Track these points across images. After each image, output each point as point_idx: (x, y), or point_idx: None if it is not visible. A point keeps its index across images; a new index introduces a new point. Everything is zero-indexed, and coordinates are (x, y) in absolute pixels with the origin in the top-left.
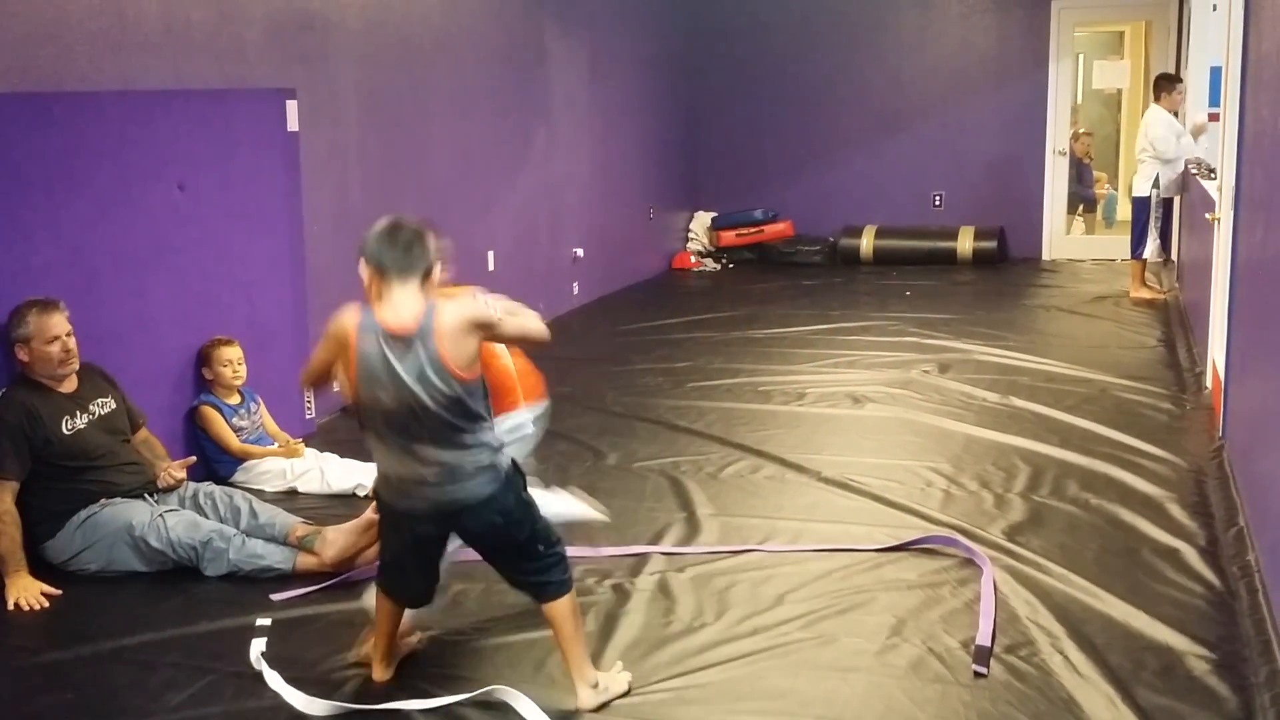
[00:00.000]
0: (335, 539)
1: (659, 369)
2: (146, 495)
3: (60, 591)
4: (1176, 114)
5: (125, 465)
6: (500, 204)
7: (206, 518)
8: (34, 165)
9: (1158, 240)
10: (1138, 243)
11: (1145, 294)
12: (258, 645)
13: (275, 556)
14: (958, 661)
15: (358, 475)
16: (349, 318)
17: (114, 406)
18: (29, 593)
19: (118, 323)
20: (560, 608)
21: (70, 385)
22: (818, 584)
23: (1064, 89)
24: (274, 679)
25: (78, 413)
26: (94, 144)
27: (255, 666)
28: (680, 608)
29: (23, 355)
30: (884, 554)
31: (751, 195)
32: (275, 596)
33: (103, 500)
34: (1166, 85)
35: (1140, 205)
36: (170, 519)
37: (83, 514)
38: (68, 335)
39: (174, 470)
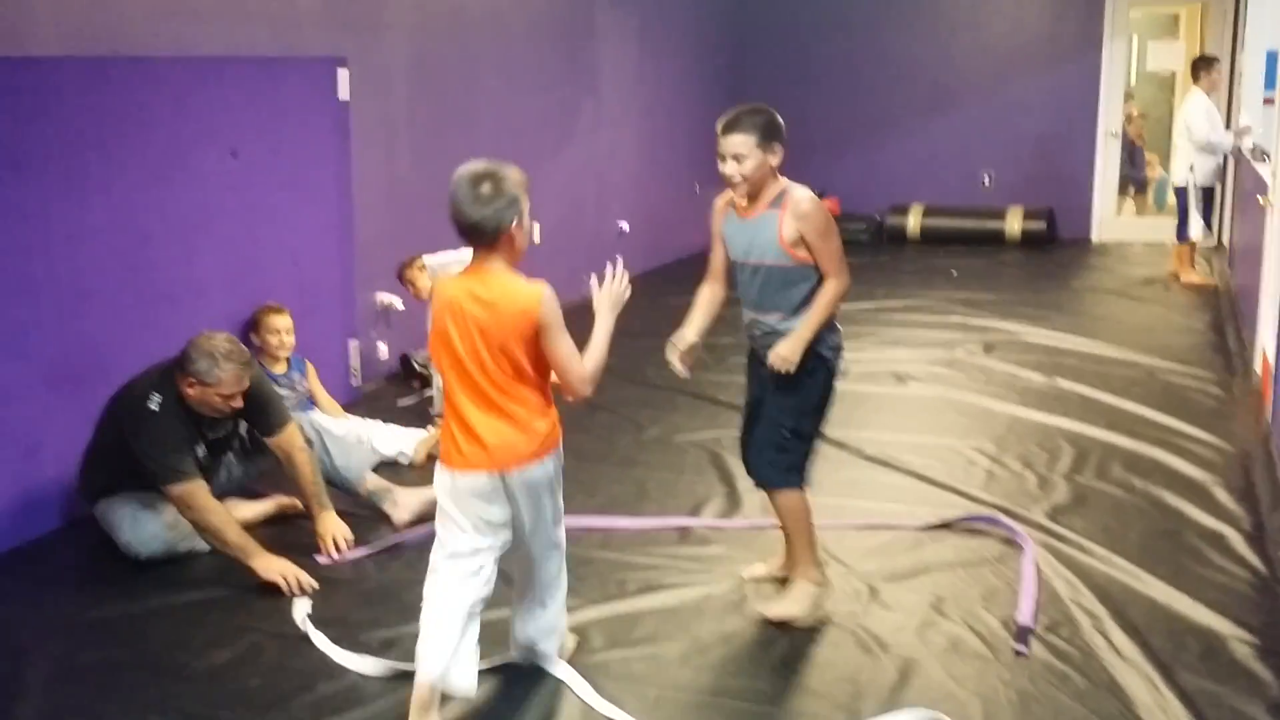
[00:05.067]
0: (408, 502)
1: (702, 344)
2: None
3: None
4: (1214, 96)
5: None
6: (546, 177)
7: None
8: (90, 129)
9: (1202, 223)
10: (1182, 226)
11: (1195, 278)
12: (302, 606)
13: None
14: (998, 640)
15: (401, 442)
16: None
17: (229, 429)
18: (286, 570)
19: (168, 286)
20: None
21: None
22: (858, 560)
23: (1117, 70)
24: (320, 639)
25: (201, 443)
26: (149, 109)
27: (300, 628)
28: (719, 578)
29: (190, 390)
30: (925, 532)
31: (798, 172)
32: (321, 559)
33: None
34: (1205, 67)
35: (1180, 193)
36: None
37: (119, 506)
38: (243, 391)
39: (332, 545)
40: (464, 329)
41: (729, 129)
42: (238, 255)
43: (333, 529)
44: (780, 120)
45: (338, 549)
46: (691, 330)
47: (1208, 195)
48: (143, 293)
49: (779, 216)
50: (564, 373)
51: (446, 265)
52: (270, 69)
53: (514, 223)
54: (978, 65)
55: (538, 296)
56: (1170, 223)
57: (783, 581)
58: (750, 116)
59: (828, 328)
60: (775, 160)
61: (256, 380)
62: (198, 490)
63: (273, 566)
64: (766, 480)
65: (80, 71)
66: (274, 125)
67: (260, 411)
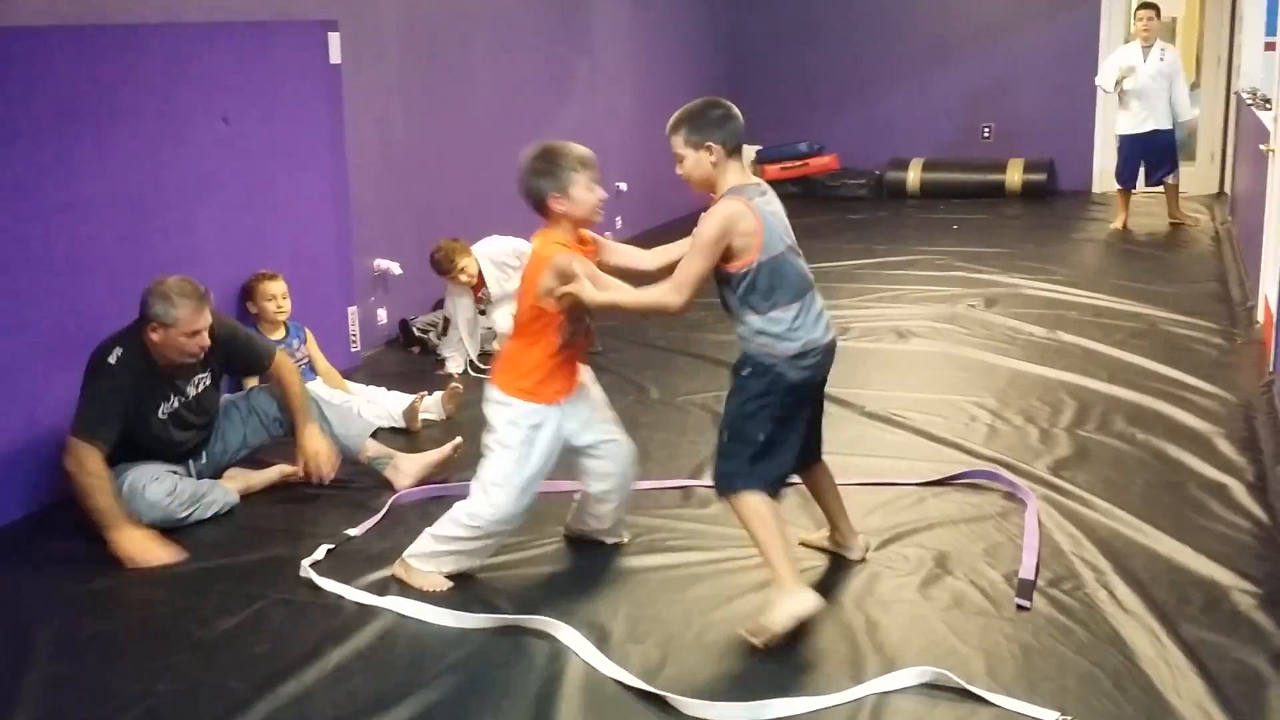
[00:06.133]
0: (409, 469)
1: (702, 303)
2: (191, 461)
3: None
4: (1150, 42)
5: (188, 442)
6: (543, 137)
7: (279, 422)
8: (80, 98)
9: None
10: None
11: (1115, 224)
12: (307, 561)
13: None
14: (1001, 595)
15: (396, 407)
16: (739, 202)
17: (209, 383)
18: (143, 548)
19: (163, 256)
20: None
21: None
22: (860, 518)
23: (1117, 18)
24: (327, 583)
25: (173, 396)
26: (139, 77)
27: (303, 574)
28: (721, 540)
29: (154, 335)
30: (927, 488)
31: (796, 128)
32: (352, 532)
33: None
34: (1137, 13)
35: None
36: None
37: (117, 475)
38: (207, 330)
39: (320, 469)
40: None
41: (669, 130)
42: (234, 223)
43: (317, 444)
44: (725, 114)
45: (315, 473)
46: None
47: (1128, 144)
48: (140, 262)
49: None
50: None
51: (495, 250)
52: (260, 33)
53: (553, 194)
54: (976, 16)
55: (542, 260)
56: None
57: (829, 552)
58: (685, 116)
59: (772, 335)
60: (713, 158)
61: (230, 326)
62: (92, 453)
63: (131, 540)
64: (714, 486)
65: (69, 40)
66: (265, 91)
67: (245, 354)
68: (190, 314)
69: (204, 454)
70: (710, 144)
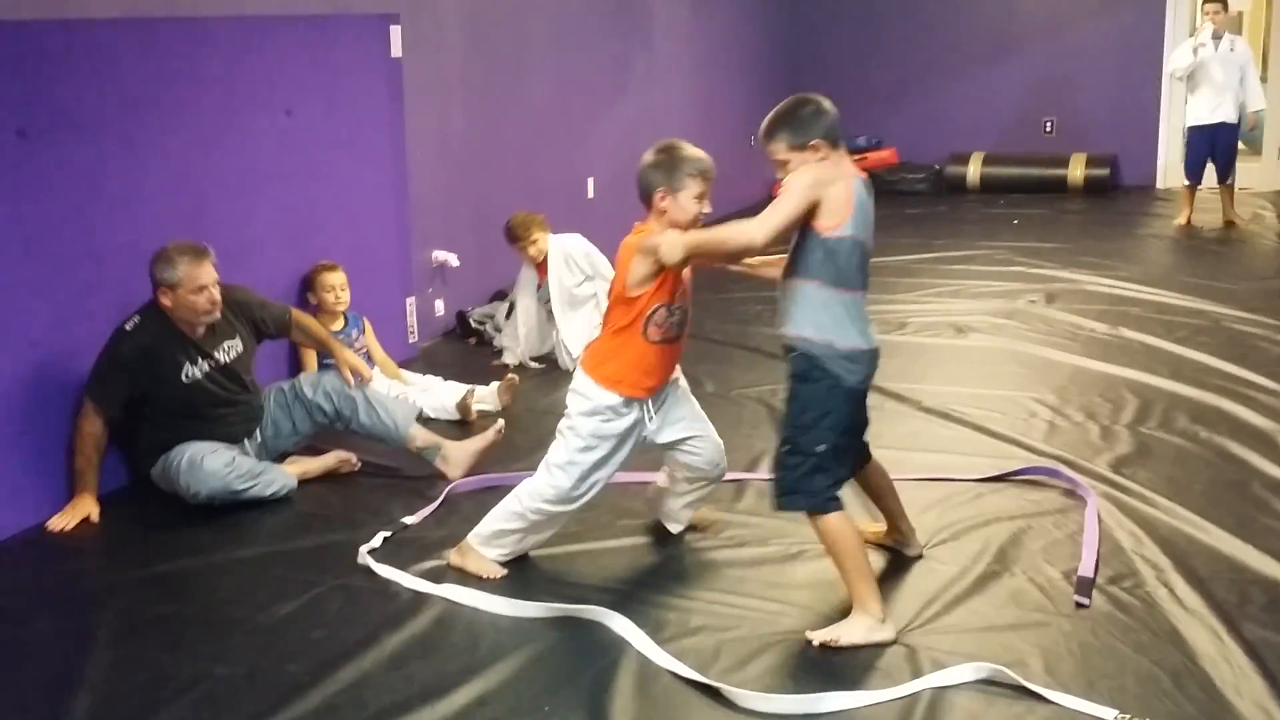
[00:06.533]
0: (459, 458)
1: (758, 297)
2: (247, 441)
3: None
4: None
5: (235, 416)
6: (600, 131)
7: (321, 410)
8: (145, 90)
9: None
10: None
11: (1179, 219)
12: (365, 548)
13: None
14: (1059, 592)
15: (448, 398)
16: (838, 172)
17: (240, 350)
18: (72, 512)
19: (225, 246)
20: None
21: (202, 329)
22: (917, 513)
23: (1183, 11)
24: (385, 569)
25: (200, 359)
26: (203, 70)
27: (361, 561)
28: (776, 534)
29: (166, 300)
30: (985, 484)
31: (854, 122)
32: (409, 520)
33: (189, 443)
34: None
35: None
36: (242, 462)
37: (176, 454)
38: (215, 285)
39: (357, 368)
40: None
41: (763, 137)
42: (294, 215)
43: (351, 360)
44: (818, 108)
45: (360, 374)
46: None
47: (1196, 136)
48: None
49: None
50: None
51: (570, 244)
52: (322, 27)
53: (661, 189)
54: (1039, 8)
55: (630, 248)
56: (1240, 169)
57: (886, 548)
58: (781, 119)
59: (839, 335)
60: (820, 155)
61: (241, 289)
62: (92, 414)
63: (78, 508)
64: (774, 495)
65: (135, 33)
66: (327, 84)
67: (265, 311)
68: (191, 268)
69: (258, 434)
70: (814, 142)
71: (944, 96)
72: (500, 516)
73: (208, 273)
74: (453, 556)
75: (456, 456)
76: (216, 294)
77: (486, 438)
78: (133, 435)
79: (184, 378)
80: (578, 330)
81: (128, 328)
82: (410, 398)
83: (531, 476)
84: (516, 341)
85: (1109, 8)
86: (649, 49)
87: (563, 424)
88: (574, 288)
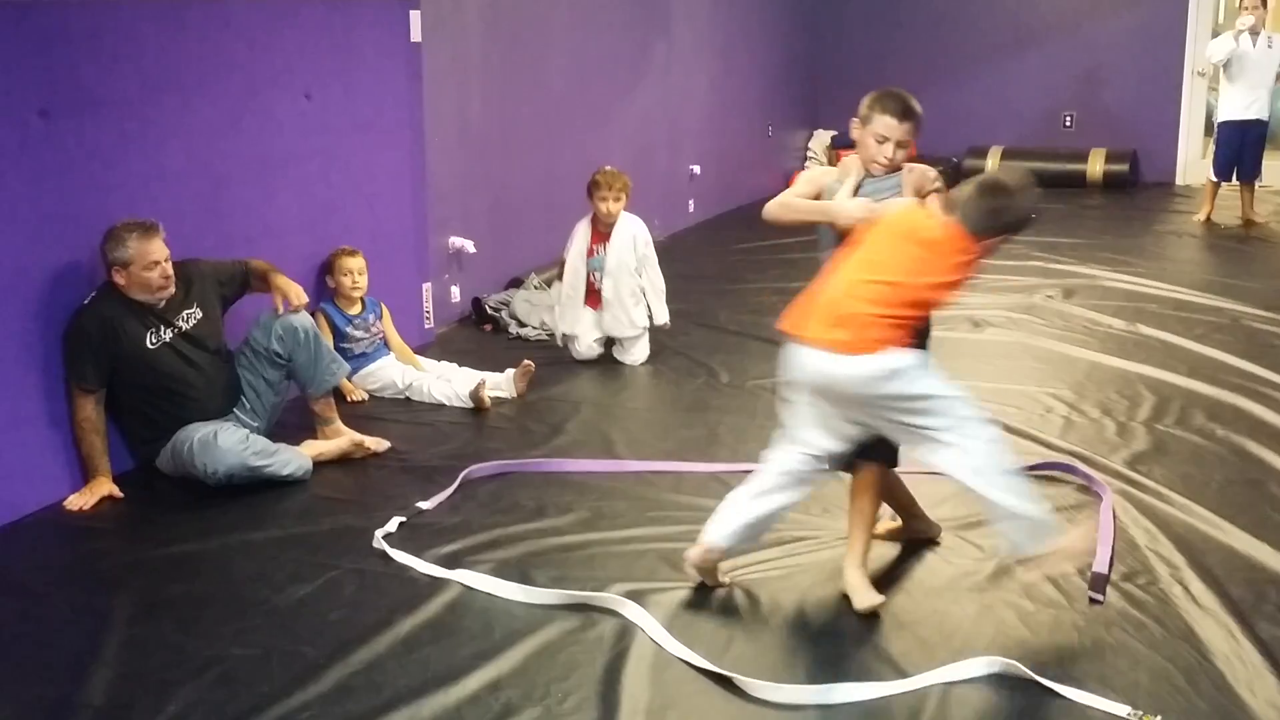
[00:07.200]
0: (316, 449)
1: (774, 288)
2: (238, 412)
3: (121, 495)
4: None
5: (212, 388)
6: (618, 119)
7: (276, 353)
8: (166, 71)
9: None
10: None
11: (1199, 215)
12: (380, 532)
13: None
14: (1073, 588)
15: (465, 385)
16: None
17: (200, 316)
18: (90, 492)
19: (245, 229)
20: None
21: (162, 303)
22: (932, 507)
23: (1205, 7)
24: (399, 554)
25: (161, 328)
26: (224, 52)
27: (376, 545)
28: (790, 524)
29: (120, 279)
30: None
31: None
32: (424, 505)
33: (192, 425)
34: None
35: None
36: (256, 441)
37: (184, 437)
38: (166, 260)
39: (286, 294)
40: None
41: (908, 115)
42: (312, 198)
43: (282, 284)
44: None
45: (292, 299)
46: None
47: (1227, 132)
48: (221, 236)
49: None
50: None
51: (635, 224)
52: (343, 11)
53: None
54: (1060, 2)
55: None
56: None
57: (906, 541)
58: (913, 106)
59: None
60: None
61: (194, 264)
62: (81, 399)
63: (95, 489)
64: None
65: (156, 13)
66: (347, 68)
67: (218, 271)
68: (141, 244)
69: (245, 403)
70: None
71: (963, 89)
72: (1013, 497)
73: (159, 248)
74: (1029, 570)
75: (318, 447)
76: (169, 269)
77: (342, 446)
78: (123, 430)
79: (149, 343)
80: (628, 304)
81: (85, 304)
82: (426, 384)
83: (947, 466)
84: (546, 313)
85: (1130, 2)
86: (668, 36)
87: (921, 406)
88: (632, 268)
